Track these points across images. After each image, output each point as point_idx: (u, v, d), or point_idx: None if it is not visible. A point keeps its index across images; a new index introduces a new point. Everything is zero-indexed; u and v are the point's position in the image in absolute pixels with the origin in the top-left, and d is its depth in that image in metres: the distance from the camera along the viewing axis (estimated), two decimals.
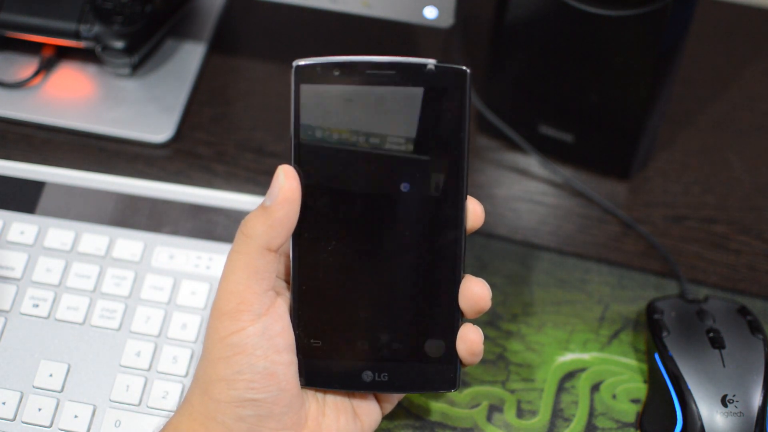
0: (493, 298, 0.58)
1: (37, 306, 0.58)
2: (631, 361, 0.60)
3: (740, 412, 0.53)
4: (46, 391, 0.56)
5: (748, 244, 0.66)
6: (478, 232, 0.65)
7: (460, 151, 0.48)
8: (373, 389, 0.50)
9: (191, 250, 0.61)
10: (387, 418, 0.55)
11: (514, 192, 0.68)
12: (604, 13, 0.60)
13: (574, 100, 0.66)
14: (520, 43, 0.65)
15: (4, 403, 0.55)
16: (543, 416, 0.57)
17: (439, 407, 0.58)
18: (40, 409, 0.55)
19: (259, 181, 0.67)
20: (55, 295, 0.59)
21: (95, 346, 0.57)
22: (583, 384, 0.59)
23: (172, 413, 0.49)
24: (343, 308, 0.49)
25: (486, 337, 0.57)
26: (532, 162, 0.70)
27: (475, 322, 0.50)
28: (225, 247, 0.61)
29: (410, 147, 0.48)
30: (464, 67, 0.48)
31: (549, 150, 0.69)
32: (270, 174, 0.48)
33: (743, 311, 0.58)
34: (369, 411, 0.52)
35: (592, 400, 0.58)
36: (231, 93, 0.73)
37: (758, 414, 0.54)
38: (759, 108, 0.74)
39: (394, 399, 0.53)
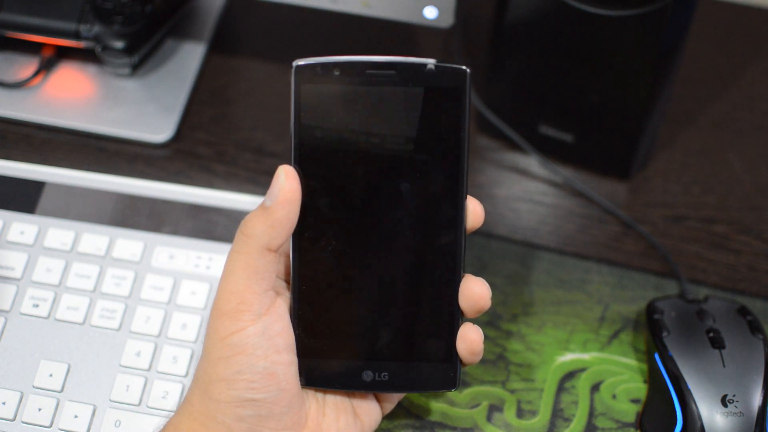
0: (493, 298, 0.58)
1: (37, 306, 0.58)
2: (631, 361, 0.60)
3: (740, 412, 0.53)
4: (46, 391, 0.56)
5: (748, 244, 0.66)
6: (478, 232, 0.65)
7: (460, 151, 0.48)
8: (374, 389, 0.50)
9: (191, 250, 0.61)
10: (387, 418, 0.55)
11: (514, 192, 0.68)
12: (604, 13, 0.60)
13: (574, 100, 0.66)
14: (520, 43, 0.65)
15: (4, 403, 0.55)
16: (543, 416, 0.57)
17: (439, 407, 0.58)
18: (40, 409, 0.55)
19: (259, 181, 0.67)
20: (55, 295, 0.59)
21: (95, 346, 0.57)
22: (583, 384, 0.59)
23: (172, 413, 0.49)
24: (343, 308, 0.49)
25: (486, 337, 0.57)
26: (532, 162, 0.70)
27: (475, 321, 0.51)
28: (225, 247, 0.61)
29: (410, 147, 0.48)
30: (464, 67, 0.48)
31: (549, 150, 0.69)
32: (270, 174, 0.48)
33: (743, 311, 0.58)
34: (369, 411, 0.52)
35: (592, 400, 0.58)
36: (231, 93, 0.73)
37: (758, 414, 0.54)
38: (759, 108, 0.74)
39: (394, 399, 0.53)
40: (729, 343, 0.56)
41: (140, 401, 0.56)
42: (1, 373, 0.56)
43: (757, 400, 0.54)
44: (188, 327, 0.58)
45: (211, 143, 0.69)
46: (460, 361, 0.50)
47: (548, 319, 0.61)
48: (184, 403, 0.49)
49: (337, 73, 0.48)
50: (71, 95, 0.70)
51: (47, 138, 0.69)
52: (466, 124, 0.48)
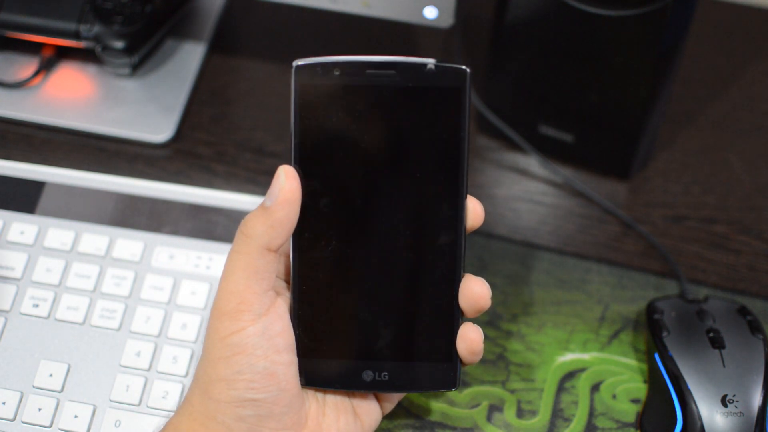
0: (493, 298, 0.58)
1: (37, 306, 0.58)
2: (631, 361, 0.60)
3: (740, 412, 0.53)
4: (46, 391, 0.56)
5: (748, 244, 0.66)
6: (478, 232, 0.65)
7: (460, 151, 0.48)
8: (374, 389, 0.50)
9: (191, 250, 0.61)
10: (387, 418, 0.55)
11: (514, 192, 0.68)
12: (604, 13, 0.60)
13: (574, 100, 0.66)
14: (520, 43, 0.65)
15: (4, 403, 0.55)
16: (543, 416, 0.57)
17: (439, 407, 0.58)
18: (40, 409, 0.55)
19: (259, 181, 0.67)
20: (55, 295, 0.59)
21: (95, 346, 0.57)
22: (583, 384, 0.59)
23: (172, 413, 0.49)
24: (343, 308, 0.49)
25: (486, 337, 0.57)
26: (532, 162, 0.70)
27: (475, 321, 0.50)
28: (225, 247, 0.61)
29: (410, 147, 0.48)
30: (464, 67, 0.48)
31: (549, 150, 0.69)
32: (270, 174, 0.48)
33: (743, 311, 0.58)
34: (369, 411, 0.52)
35: (592, 400, 0.58)
36: (231, 93, 0.73)
37: (758, 414, 0.54)
38: (759, 108, 0.74)
39: (394, 399, 0.53)
40: (729, 343, 0.56)
41: (140, 401, 0.56)
42: (1, 373, 0.56)
43: (757, 400, 0.54)
44: (188, 327, 0.58)
45: (211, 143, 0.69)
46: (460, 360, 0.50)
47: (548, 319, 0.61)
48: (184, 403, 0.49)
49: (337, 73, 0.48)
50: (71, 95, 0.70)
51: (47, 138, 0.69)
52: (466, 124, 0.48)
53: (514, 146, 0.70)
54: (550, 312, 0.62)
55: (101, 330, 0.58)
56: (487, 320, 0.61)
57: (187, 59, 0.73)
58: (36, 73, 0.70)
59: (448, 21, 0.66)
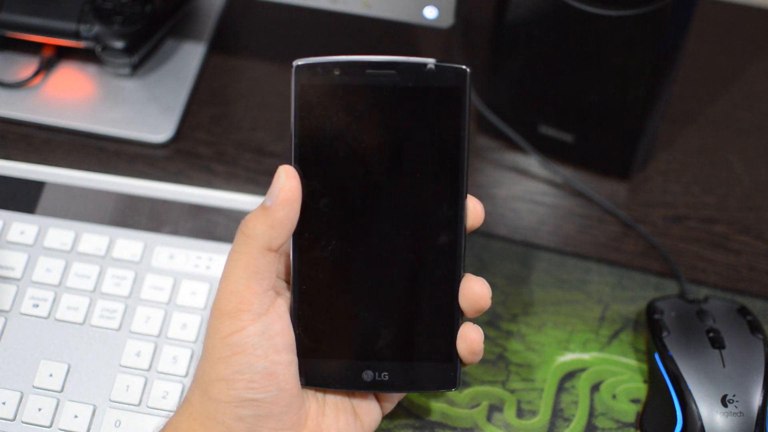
0: (493, 298, 0.58)
1: (37, 306, 0.58)
2: (631, 361, 0.60)
3: (740, 412, 0.53)
4: (46, 391, 0.56)
5: (748, 244, 0.66)
6: (478, 232, 0.65)
7: (460, 151, 0.48)
8: (374, 389, 0.50)
9: (191, 250, 0.61)
10: (387, 418, 0.55)
11: (514, 192, 0.68)
12: (604, 13, 0.60)
13: (574, 100, 0.66)
14: (520, 43, 0.65)
15: (4, 403, 0.55)
16: (543, 416, 0.57)
17: (439, 407, 0.58)
18: (40, 409, 0.55)
19: (259, 181, 0.67)
20: (55, 295, 0.59)
21: (95, 346, 0.57)
22: (583, 384, 0.59)
23: (172, 413, 0.49)
24: (343, 308, 0.49)
25: (486, 337, 0.57)
26: (532, 162, 0.70)
27: (475, 321, 0.50)
28: (225, 247, 0.61)
29: (410, 146, 0.48)
30: (464, 67, 0.48)
31: (549, 150, 0.69)
32: (270, 174, 0.48)
33: (743, 311, 0.58)
34: (369, 411, 0.52)
35: (592, 400, 0.58)
36: (231, 93, 0.73)
37: (758, 414, 0.54)
38: (759, 108, 0.74)
39: (394, 399, 0.53)
40: (729, 343, 0.56)
41: (140, 401, 0.56)
42: (1, 373, 0.56)
43: (757, 400, 0.54)
44: (188, 327, 0.58)
45: (211, 143, 0.69)
46: (461, 360, 0.50)
47: (548, 319, 0.61)
48: (184, 403, 0.49)
49: (337, 72, 0.48)
50: (71, 95, 0.70)
51: (47, 138, 0.69)
52: (466, 124, 0.48)
53: (514, 146, 0.70)
54: (550, 312, 0.62)
55: (101, 330, 0.58)
56: (487, 320, 0.61)
57: (187, 59, 0.73)
58: (36, 73, 0.70)
59: (448, 21, 0.66)
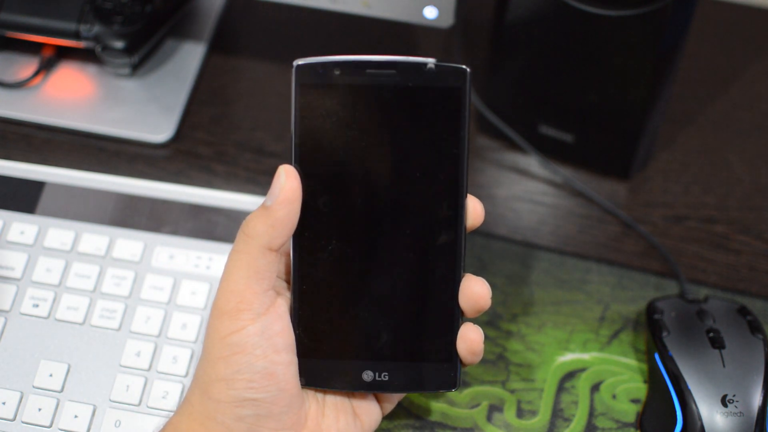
0: (493, 298, 0.58)
1: (37, 306, 0.58)
2: (631, 361, 0.60)
3: (740, 412, 0.53)
4: (46, 391, 0.56)
5: (748, 244, 0.66)
6: (478, 232, 0.65)
7: (460, 150, 0.48)
8: (374, 389, 0.50)
9: (191, 250, 0.61)
10: (387, 418, 0.55)
11: (514, 192, 0.68)
12: (604, 13, 0.60)
13: (574, 100, 0.66)
14: (520, 43, 0.65)
15: (4, 403, 0.55)
16: (543, 416, 0.57)
17: (439, 407, 0.58)
18: (40, 409, 0.55)
19: (259, 181, 0.67)
20: (55, 295, 0.59)
21: (95, 346, 0.57)
22: (583, 384, 0.59)
23: (172, 413, 0.49)
24: (344, 308, 0.49)
25: (486, 337, 0.57)
26: (532, 162, 0.70)
27: (475, 321, 0.50)
28: (225, 247, 0.61)
29: (410, 146, 0.48)
30: (464, 66, 0.48)
31: (549, 150, 0.69)
32: (270, 174, 0.48)
33: (743, 311, 0.58)
34: (369, 411, 0.52)
35: (592, 400, 0.58)
36: (231, 93, 0.73)
37: (758, 414, 0.54)
38: (759, 108, 0.74)
39: (394, 399, 0.53)
40: (729, 343, 0.56)
41: (140, 401, 0.56)
42: (1, 373, 0.56)
43: (757, 400, 0.54)
44: (188, 327, 0.58)
45: (211, 143, 0.69)
46: (461, 361, 0.50)
47: (548, 319, 0.61)
48: (184, 402, 0.49)
49: (337, 72, 0.48)
50: (71, 95, 0.70)
51: (47, 138, 0.69)
52: (466, 124, 0.48)
53: (514, 146, 0.70)
54: (550, 312, 0.62)
55: (101, 330, 0.58)
56: (487, 320, 0.61)
57: (187, 59, 0.73)
58: (36, 73, 0.70)
59: (448, 21, 0.66)
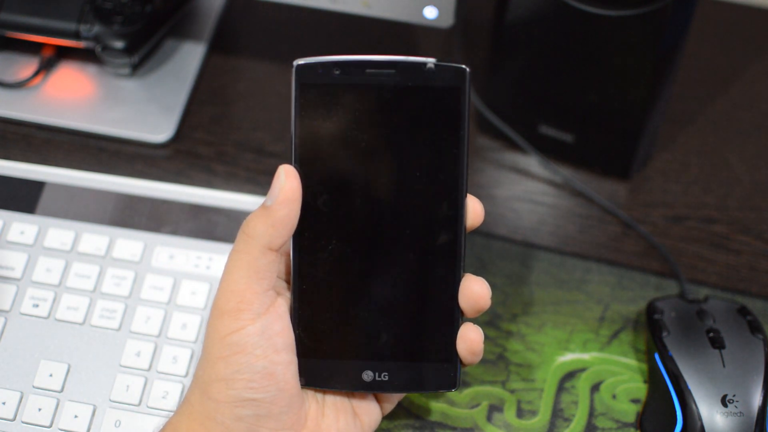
0: (493, 298, 0.58)
1: (37, 306, 0.58)
2: (631, 361, 0.60)
3: (740, 412, 0.53)
4: (46, 391, 0.56)
5: (748, 244, 0.66)
6: (478, 232, 0.65)
7: (460, 150, 0.48)
8: (373, 389, 0.50)
9: (191, 250, 0.61)
10: (387, 418, 0.55)
11: (514, 192, 0.68)
12: (604, 13, 0.60)
13: (574, 100, 0.66)
14: (520, 43, 0.65)
15: (4, 403, 0.55)
16: (543, 416, 0.57)
17: (439, 407, 0.58)
18: (40, 409, 0.55)
19: (259, 181, 0.67)
20: (55, 295, 0.59)
21: (95, 346, 0.57)
22: (583, 384, 0.59)
23: (172, 413, 0.49)
24: (344, 308, 0.49)
25: (486, 337, 0.57)
26: (532, 162, 0.70)
27: (475, 321, 0.50)
28: (225, 247, 0.61)
29: (410, 146, 0.48)
30: (464, 66, 0.48)
31: (549, 150, 0.69)
32: (270, 174, 0.48)
33: (743, 311, 0.58)
34: (369, 411, 0.52)
35: (592, 400, 0.58)
36: (231, 93, 0.73)
37: (758, 414, 0.54)
38: (759, 108, 0.74)
39: (394, 399, 0.53)
40: (729, 343, 0.56)
41: (140, 401, 0.56)
42: (1, 373, 0.56)
43: (757, 400, 0.54)
44: (188, 327, 0.58)
45: (211, 143, 0.69)
46: (460, 361, 0.50)
47: (548, 319, 0.61)
48: (184, 402, 0.49)
49: (337, 72, 0.48)
50: (71, 95, 0.70)
51: (47, 138, 0.69)
52: (466, 123, 0.48)
53: (514, 146, 0.70)
54: (550, 312, 0.62)
55: (101, 330, 0.58)
56: (487, 320, 0.61)
57: (187, 59, 0.73)
58: (36, 73, 0.70)
59: (448, 21, 0.66)
